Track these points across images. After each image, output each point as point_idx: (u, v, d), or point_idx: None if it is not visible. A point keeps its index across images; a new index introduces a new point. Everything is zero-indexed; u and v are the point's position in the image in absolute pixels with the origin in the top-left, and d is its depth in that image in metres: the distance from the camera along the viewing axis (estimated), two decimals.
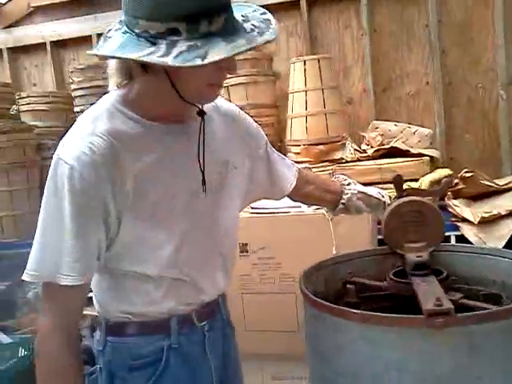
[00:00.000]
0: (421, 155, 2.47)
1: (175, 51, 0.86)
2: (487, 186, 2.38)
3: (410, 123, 2.94)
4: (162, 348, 1.06)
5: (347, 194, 1.31)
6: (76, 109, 3.04)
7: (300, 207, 1.91)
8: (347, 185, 1.33)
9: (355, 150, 2.56)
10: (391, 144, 2.53)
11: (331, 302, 1.06)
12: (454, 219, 2.34)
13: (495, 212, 2.22)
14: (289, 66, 2.84)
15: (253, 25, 0.94)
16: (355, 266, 1.37)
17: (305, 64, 2.71)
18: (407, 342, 0.94)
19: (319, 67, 2.69)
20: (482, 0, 2.99)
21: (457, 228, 2.30)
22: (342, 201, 1.31)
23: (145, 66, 0.94)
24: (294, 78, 2.75)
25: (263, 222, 1.90)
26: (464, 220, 2.29)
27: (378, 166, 2.38)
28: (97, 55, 0.98)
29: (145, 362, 1.06)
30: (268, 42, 0.92)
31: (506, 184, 2.40)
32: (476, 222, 2.22)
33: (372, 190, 1.36)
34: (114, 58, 0.98)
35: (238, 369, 1.27)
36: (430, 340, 0.92)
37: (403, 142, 2.66)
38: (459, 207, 2.32)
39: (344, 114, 2.86)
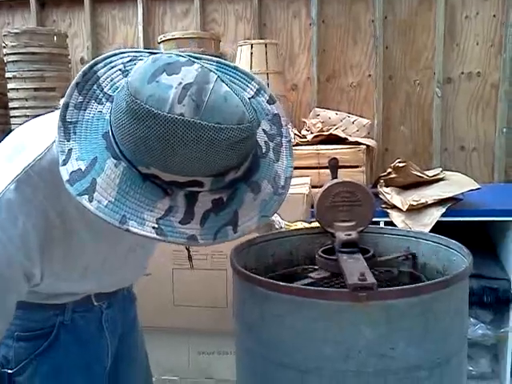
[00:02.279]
0: (358, 143, 2.51)
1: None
2: (417, 176, 2.45)
3: (350, 113, 2.98)
4: (54, 324, 1.03)
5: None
6: (8, 74, 2.86)
7: None
8: None
9: (295, 134, 2.57)
10: (330, 131, 2.56)
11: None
12: (384, 206, 2.40)
13: (423, 201, 2.29)
14: (236, 49, 2.81)
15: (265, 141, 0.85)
16: (286, 243, 1.38)
17: (252, 48, 2.69)
18: (332, 314, 0.95)
19: (266, 52, 2.68)
20: (426, 2, 3.06)
21: (386, 214, 2.35)
22: None
23: None
24: (241, 60, 2.73)
25: None
26: (393, 207, 2.35)
27: (316, 152, 2.41)
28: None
29: (34, 335, 1.02)
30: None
31: (434, 175, 2.48)
32: (404, 210, 2.29)
33: (276, 220, 1.42)
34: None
35: (137, 340, 1.25)
36: (354, 313, 0.94)
37: (342, 131, 2.69)
38: (390, 195, 2.38)
39: (287, 100, 2.87)
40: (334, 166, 1.32)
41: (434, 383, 1.00)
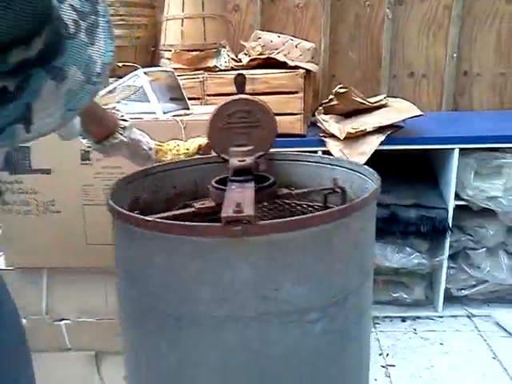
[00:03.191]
0: (297, 68, 2.30)
1: None
2: (359, 103, 2.28)
3: (295, 36, 2.75)
4: None
5: (116, 138, 1.15)
6: None
7: (155, 113, 1.71)
8: (122, 128, 1.16)
9: (231, 58, 2.35)
10: (269, 55, 2.34)
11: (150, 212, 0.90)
12: (322, 134, 2.24)
13: (362, 128, 2.13)
14: None
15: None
16: (191, 172, 1.21)
17: None
18: (205, 252, 0.80)
19: None
20: None
21: (323, 143, 2.20)
22: (107, 142, 1.15)
23: None
24: None
25: None
26: (331, 136, 2.20)
27: (252, 77, 2.20)
28: None
29: None
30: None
31: (376, 102, 2.31)
32: (342, 138, 2.14)
33: (143, 141, 1.23)
34: None
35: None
36: (229, 250, 0.78)
37: (285, 55, 2.47)
38: (328, 122, 2.22)
39: (226, 21, 2.61)
40: (241, 83, 1.13)
41: (328, 325, 0.87)
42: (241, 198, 0.84)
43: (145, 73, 1.73)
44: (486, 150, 2.22)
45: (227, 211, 0.77)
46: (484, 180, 2.22)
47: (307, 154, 1.25)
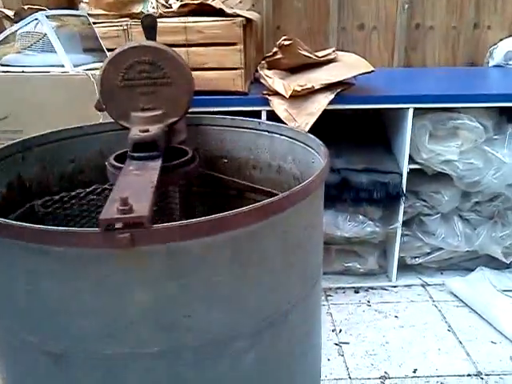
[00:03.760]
0: (236, 16, 2.00)
1: None
2: (305, 56, 2.02)
3: None
4: None
5: None
6: None
7: (63, 66, 1.40)
8: None
9: (160, 4, 2.02)
10: (203, 0, 2.03)
11: None
12: (265, 92, 1.97)
13: (309, 86, 1.88)
14: None
15: None
16: (94, 142, 0.93)
17: None
18: (78, 269, 0.54)
19: None
20: None
21: (267, 102, 1.94)
22: None
23: None
24: None
25: (8, 82, 1.36)
26: (276, 93, 1.94)
27: (183, 25, 1.89)
28: None
29: None
30: None
31: (324, 56, 2.05)
32: (287, 96, 1.88)
33: None
34: None
35: None
36: (114, 265, 0.53)
37: (222, 1, 2.16)
38: (272, 79, 1.95)
39: None
40: (151, 26, 0.85)
41: (264, 352, 0.64)
42: (135, 187, 0.58)
43: (47, 16, 1.41)
44: (442, 110, 2.02)
45: (109, 211, 0.51)
46: (439, 142, 2.03)
47: (242, 119, 0.99)
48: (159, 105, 0.74)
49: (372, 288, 2.30)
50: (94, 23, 1.70)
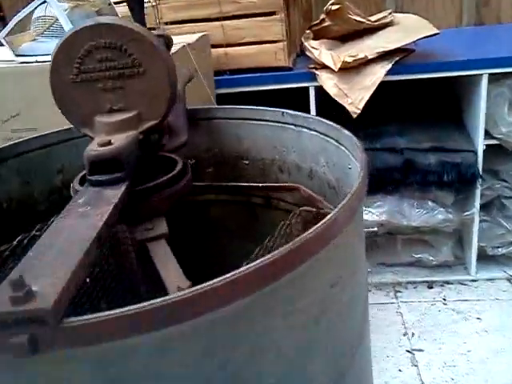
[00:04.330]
0: None
1: None
2: (357, 22, 1.75)
3: None
4: None
5: None
6: None
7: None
8: None
9: None
10: None
11: None
12: (311, 66, 1.73)
13: (361, 55, 1.62)
14: None
15: None
16: (70, 150, 0.76)
17: None
18: None
19: None
20: None
21: (314, 77, 1.70)
22: None
23: None
24: None
25: (19, 75, 1.22)
26: (324, 67, 1.69)
27: None
28: None
29: None
30: None
31: (379, 20, 1.77)
32: (336, 69, 1.63)
33: None
34: None
35: None
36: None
37: None
38: (318, 50, 1.70)
39: None
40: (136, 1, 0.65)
41: None
42: (61, 245, 0.38)
43: None
44: None
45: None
46: None
47: (263, 108, 0.78)
48: (131, 104, 0.54)
49: (448, 282, 2.02)
50: (116, 2, 1.51)
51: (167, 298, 0.33)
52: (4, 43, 1.28)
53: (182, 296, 0.33)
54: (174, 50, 1.22)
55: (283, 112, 0.74)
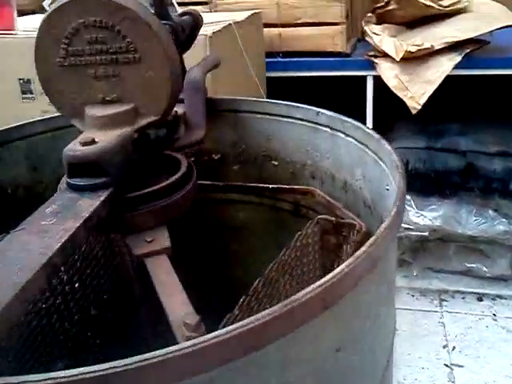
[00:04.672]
0: None
1: None
2: (426, 6, 1.59)
3: None
4: None
5: None
6: None
7: None
8: None
9: None
10: None
11: None
12: (371, 54, 1.60)
13: (427, 45, 1.47)
14: None
15: None
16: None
17: None
18: None
19: None
20: None
21: (373, 66, 1.57)
22: None
23: None
24: None
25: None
26: (385, 55, 1.55)
27: None
28: None
29: None
30: None
31: (451, 5, 1.61)
32: (398, 59, 1.49)
33: None
34: None
35: None
36: None
37: None
38: (379, 36, 1.56)
39: None
40: None
41: None
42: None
43: None
44: None
45: None
46: None
47: (295, 105, 0.68)
48: (126, 96, 0.46)
49: (500, 297, 1.86)
50: None
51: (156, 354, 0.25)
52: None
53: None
54: (217, 27, 1.13)
55: (318, 112, 0.64)
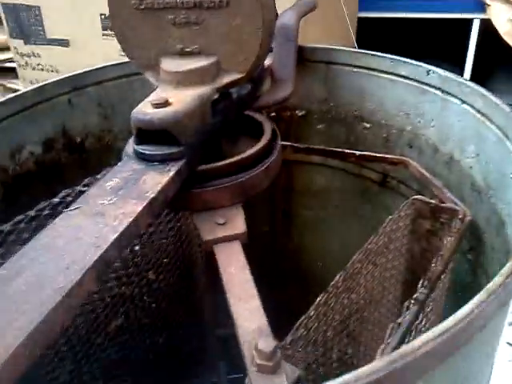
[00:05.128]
0: None
1: None
2: None
3: None
4: None
5: None
6: None
7: None
8: None
9: None
10: None
11: None
12: None
13: None
14: None
15: None
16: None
17: None
18: None
19: None
20: None
21: (483, 8, 1.39)
22: None
23: None
24: None
25: None
26: None
27: None
28: None
29: None
30: None
31: None
32: None
33: None
34: None
35: None
36: None
37: None
38: None
39: None
40: None
41: None
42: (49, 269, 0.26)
43: None
44: None
45: None
46: None
47: (401, 59, 0.58)
48: (209, 47, 0.39)
49: None
50: None
51: None
52: None
53: None
54: None
55: (429, 70, 0.53)
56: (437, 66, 0.53)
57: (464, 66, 1.53)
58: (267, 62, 0.53)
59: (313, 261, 0.81)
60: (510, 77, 1.64)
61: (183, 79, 0.39)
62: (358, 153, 0.60)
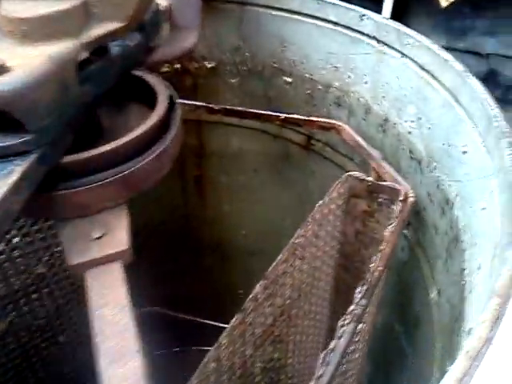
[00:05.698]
0: None
1: None
2: None
3: None
4: None
5: None
6: None
7: None
8: None
9: None
10: None
11: None
12: None
13: None
14: None
15: None
16: None
17: None
18: None
19: None
20: None
21: None
22: None
23: None
24: None
25: None
26: None
27: None
28: None
29: None
30: None
31: None
32: None
33: None
34: None
35: None
36: None
37: None
38: None
39: None
40: None
41: None
42: None
43: None
44: None
45: None
46: None
47: (331, 2, 0.48)
48: None
49: None
50: None
51: None
52: None
53: None
54: None
55: (363, 15, 0.44)
56: (356, 4, 0.44)
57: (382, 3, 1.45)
58: (164, 1, 0.41)
59: (234, 229, 0.72)
60: (428, 17, 1.58)
61: (32, 30, 0.26)
62: (283, 115, 0.50)
